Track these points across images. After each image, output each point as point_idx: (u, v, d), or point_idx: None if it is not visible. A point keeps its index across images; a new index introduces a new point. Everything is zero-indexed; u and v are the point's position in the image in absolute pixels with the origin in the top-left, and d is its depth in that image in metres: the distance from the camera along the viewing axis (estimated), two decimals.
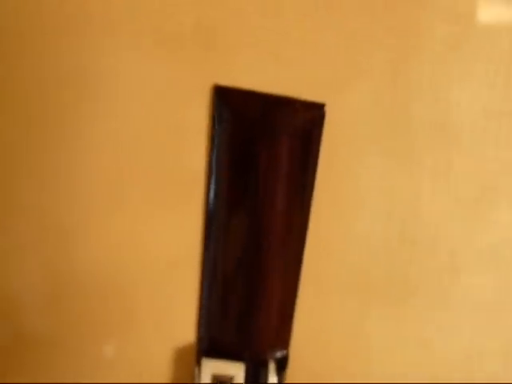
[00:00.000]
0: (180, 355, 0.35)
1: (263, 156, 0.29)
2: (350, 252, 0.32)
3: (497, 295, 0.34)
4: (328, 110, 0.29)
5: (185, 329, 0.34)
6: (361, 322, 0.34)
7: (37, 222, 0.32)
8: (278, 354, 0.34)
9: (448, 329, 0.34)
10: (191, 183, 0.31)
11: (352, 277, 0.33)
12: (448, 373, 0.35)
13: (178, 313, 0.34)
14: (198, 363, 0.33)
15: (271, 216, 0.30)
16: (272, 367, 0.33)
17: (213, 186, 0.30)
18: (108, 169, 0.30)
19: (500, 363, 0.35)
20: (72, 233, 0.32)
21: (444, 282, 0.33)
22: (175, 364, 0.35)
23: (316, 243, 0.32)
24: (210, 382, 0.33)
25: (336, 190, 0.31)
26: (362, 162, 0.30)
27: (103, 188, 0.31)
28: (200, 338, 0.34)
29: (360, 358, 0.35)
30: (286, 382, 0.35)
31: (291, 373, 0.34)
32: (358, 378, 0.35)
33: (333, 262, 0.33)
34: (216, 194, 0.30)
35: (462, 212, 0.31)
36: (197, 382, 0.33)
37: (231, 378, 0.33)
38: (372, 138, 0.30)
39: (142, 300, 0.34)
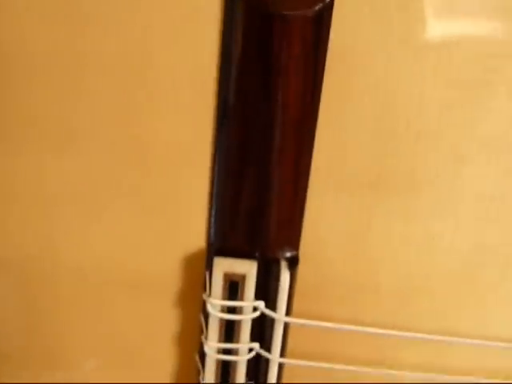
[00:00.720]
0: (190, 261, 0.35)
1: (276, 38, 0.28)
2: (358, 143, 0.32)
3: (499, 186, 0.34)
4: None
5: (194, 233, 0.34)
6: (368, 219, 0.34)
7: None
8: (289, 254, 0.35)
9: (453, 221, 0.34)
10: (202, 71, 0.29)
11: (360, 171, 0.33)
12: (457, 265, 0.35)
13: (188, 215, 0.33)
14: (209, 263, 0.34)
15: (284, 98, 0.29)
16: (284, 264, 0.33)
17: (224, 73, 0.29)
18: None
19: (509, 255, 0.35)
20: None
21: (448, 174, 0.33)
22: (185, 271, 0.35)
23: (326, 134, 0.31)
24: (221, 281, 0.34)
25: (344, 79, 0.30)
26: (370, 52, 0.30)
27: None
28: (211, 238, 0.33)
29: (368, 256, 0.35)
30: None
31: (300, 277, 0.34)
32: (366, 278, 0.36)
33: (342, 155, 0.32)
34: (227, 82, 0.29)
35: (462, 99, 0.31)
36: (208, 283, 0.34)
37: (243, 277, 0.34)
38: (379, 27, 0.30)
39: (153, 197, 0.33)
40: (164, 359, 0.37)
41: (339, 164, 0.32)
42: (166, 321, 0.36)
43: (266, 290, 0.33)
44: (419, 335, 0.35)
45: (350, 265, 0.35)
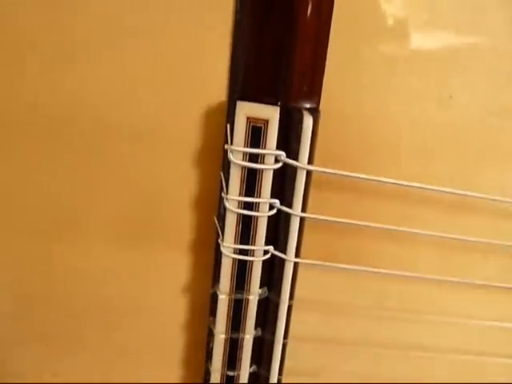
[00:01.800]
0: (211, 116, 0.34)
1: None
2: None
3: None
4: None
5: (217, 85, 0.33)
6: (387, 74, 0.34)
7: None
8: (310, 105, 0.35)
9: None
10: None
11: None
12: (475, 124, 0.36)
13: (210, 66, 0.33)
14: (232, 109, 0.33)
15: None
16: (306, 113, 0.33)
17: None
18: None
19: None
20: None
21: None
22: (206, 125, 0.34)
23: None
24: (244, 126, 0.33)
25: None
26: None
27: None
28: (233, 86, 0.33)
29: (388, 112, 0.35)
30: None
31: (321, 133, 0.34)
32: (386, 135, 0.36)
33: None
34: None
35: None
36: (229, 133, 0.34)
37: (266, 122, 0.34)
38: None
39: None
40: (182, 220, 0.37)
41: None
42: (186, 177, 0.35)
43: (288, 141, 0.33)
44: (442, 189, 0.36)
45: (371, 122, 0.35)
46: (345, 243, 0.38)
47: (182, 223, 0.37)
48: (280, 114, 0.32)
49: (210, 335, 0.38)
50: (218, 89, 0.33)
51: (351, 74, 0.34)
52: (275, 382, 0.38)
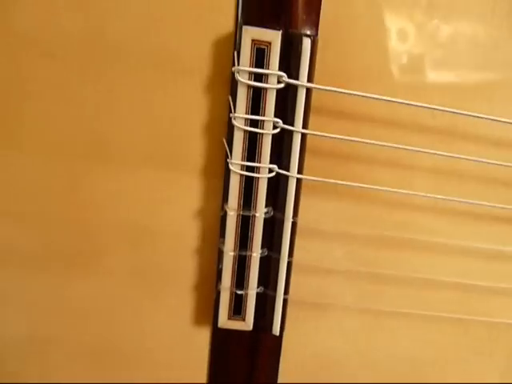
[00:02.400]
0: (219, 45, 0.38)
1: None
2: None
3: None
4: None
5: (224, 16, 0.37)
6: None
7: None
8: (309, 31, 0.38)
9: None
10: None
11: None
12: None
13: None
14: (239, 34, 0.37)
15: None
16: (305, 38, 0.37)
17: None
18: None
19: None
20: None
21: None
22: (215, 54, 0.38)
23: None
24: (249, 48, 0.37)
25: None
26: None
27: None
28: (239, 15, 0.37)
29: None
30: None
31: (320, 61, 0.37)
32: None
33: None
34: None
35: None
36: (236, 56, 0.37)
37: (269, 44, 0.37)
38: None
39: None
40: (194, 145, 0.40)
41: None
42: (197, 104, 0.39)
43: (289, 64, 0.37)
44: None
45: (365, 47, 0.39)
46: (345, 169, 0.41)
47: (194, 148, 0.40)
48: (282, 39, 0.36)
49: (220, 256, 0.41)
50: (225, 19, 0.37)
51: (346, 3, 0.38)
52: (281, 301, 0.41)
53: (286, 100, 0.37)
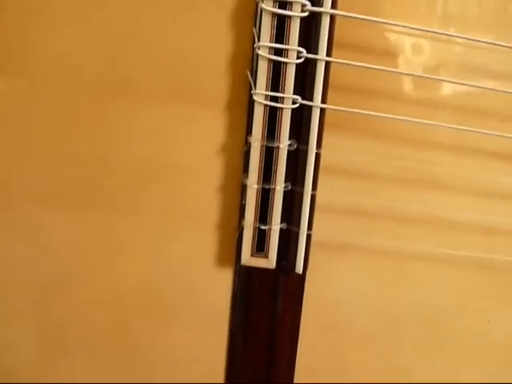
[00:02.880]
0: None
1: None
2: None
3: None
4: None
5: None
6: None
7: None
8: None
9: None
10: None
11: None
12: None
13: None
14: None
15: None
16: None
17: None
18: None
19: None
20: None
21: None
22: None
23: None
24: None
25: None
26: None
27: None
28: None
29: None
30: None
31: None
32: None
33: None
34: None
35: None
36: None
37: None
38: None
39: None
40: (218, 79, 0.40)
41: None
42: (221, 37, 0.39)
43: None
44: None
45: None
46: (367, 105, 0.41)
47: (218, 82, 0.41)
48: None
49: (244, 190, 0.41)
50: None
51: None
52: (305, 237, 0.41)
53: (310, 29, 0.38)
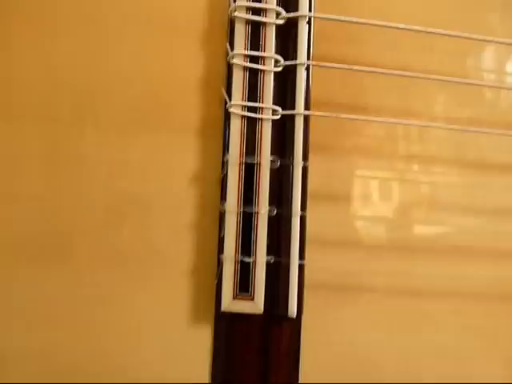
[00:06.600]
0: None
1: None
2: None
3: None
4: None
5: None
6: None
7: None
8: None
9: None
10: None
11: None
12: None
13: None
14: None
15: None
16: None
17: None
18: None
19: None
20: None
21: None
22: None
23: None
24: None
25: None
26: None
27: None
28: None
29: None
30: None
31: None
32: None
33: None
34: None
35: None
36: None
37: None
38: None
39: None
40: (189, 103, 0.37)
41: None
42: (193, 58, 0.37)
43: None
44: None
45: None
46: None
47: (190, 106, 0.37)
48: None
49: (222, 220, 0.35)
50: None
51: None
52: (296, 269, 0.34)
53: (287, 38, 0.36)
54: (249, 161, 0.34)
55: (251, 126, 0.35)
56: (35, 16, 0.36)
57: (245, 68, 0.34)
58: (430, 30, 0.36)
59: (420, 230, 0.39)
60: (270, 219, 0.35)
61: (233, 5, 0.35)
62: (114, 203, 0.36)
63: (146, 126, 0.36)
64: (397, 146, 0.39)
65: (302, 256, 0.34)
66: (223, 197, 0.35)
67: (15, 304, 0.35)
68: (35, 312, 0.35)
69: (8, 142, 0.36)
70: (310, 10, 0.35)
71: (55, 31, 0.36)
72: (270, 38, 0.35)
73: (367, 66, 0.36)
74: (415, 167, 0.39)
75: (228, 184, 0.34)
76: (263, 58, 0.35)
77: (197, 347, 0.36)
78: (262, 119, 0.34)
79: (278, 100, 0.35)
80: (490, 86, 0.40)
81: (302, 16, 0.35)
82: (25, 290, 0.35)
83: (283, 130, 0.35)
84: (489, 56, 0.41)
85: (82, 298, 0.35)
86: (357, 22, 0.35)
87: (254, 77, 0.35)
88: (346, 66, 0.35)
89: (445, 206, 0.39)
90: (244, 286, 0.34)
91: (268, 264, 0.34)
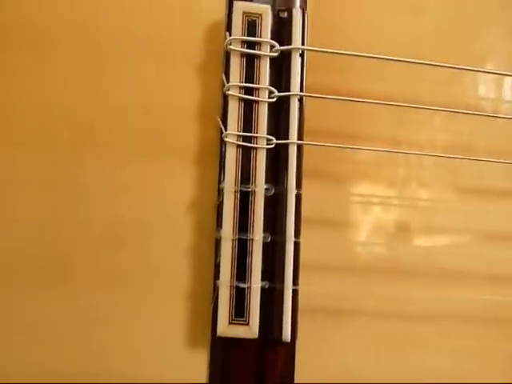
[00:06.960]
0: (210, 32, 0.38)
1: None
2: None
3: None
4: None
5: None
6: None
7: None
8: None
9: None
10: None
11: None
12: None
13: None
14: (230, 9, 0.37)
15: None
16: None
17: None
18: None
19: None
20: None
21: None
22: (206, 41, 0.38)
23: None
24: (240, 19, 0.37)
25: None
26: None
27: None
28: None
29: None
30: None
31: None
32: None
33: None
34: None
35: None
36: (227, 24, 0.37)
37: (260, 15, 0.37)
38: None
39: None
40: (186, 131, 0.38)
41: None
42: (188, 86, 0.38)
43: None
44: None
45: None
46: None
47: (187, 133, 0.38)
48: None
49: (218, 246, 0.36)
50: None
51: None
52: (290, 294, 0.35)
53: (280, 70, 0.37)
54: (244, 189, 0.35)
55: (246, 154, 0.36)
56: (36, 44, 0.38)
57: (240, 99, 0.36)
58: (417, 61, 0.37)
59: (413, 253, 0.40)
60: (265, 245, 0.36)
61: (228, 38, 0.36)
62: (113, 229, 0.37)
63: (144, 153, 0.38)
64: (388, 171, 0.40)
65: (295, 281, 0.35)
66: (219, 224, 0.36)
67: (14, 325, 0.36)
68: (34, 333, 0.36)
69: (8, 167, 0.37)
70: (302, 43, 0.36)
71: (56, 60, 0.37)
72: (265, 70, 0.36)
73: (359, 94, 0.37)
74: (408, 193, 0.41)
75: (224, 211, 0.35)
76: (258, 89, 0.36)
77: (193, 371, 0.36)
78: (256, 148, 0.36)
79: (272, 129, 0.36)
80: (480, 115, 0.41)
81: (295, 48, 0.36)
82: (24, 312, 0.36)
83: (277, 159, 0.36)
84: (480, 83, 0.42)
85: (79, 320, 0.36)
86: (348, 54, 0.36)
87: (248, 107, 0.36)
88: (337, 97, 0.37)
89: (438, 230, 0.40)
90: (239, 311, 0.35)
91: (263, 289, 0.35)
